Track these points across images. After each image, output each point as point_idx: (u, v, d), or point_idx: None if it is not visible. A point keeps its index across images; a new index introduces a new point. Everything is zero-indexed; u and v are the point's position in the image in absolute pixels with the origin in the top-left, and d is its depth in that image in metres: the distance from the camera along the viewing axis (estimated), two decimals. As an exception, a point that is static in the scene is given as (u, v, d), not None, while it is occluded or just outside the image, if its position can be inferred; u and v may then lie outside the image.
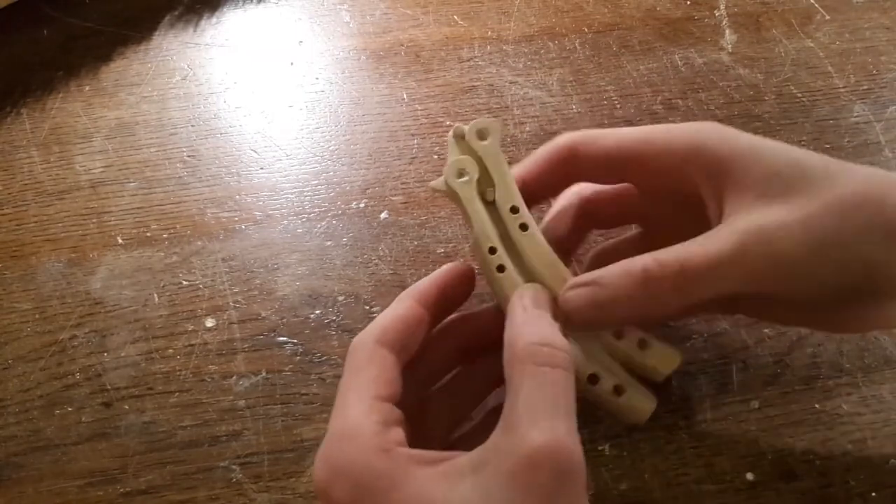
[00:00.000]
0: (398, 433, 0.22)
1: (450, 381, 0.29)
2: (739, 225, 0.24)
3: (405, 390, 0.25)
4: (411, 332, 0.26)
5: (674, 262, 0.24)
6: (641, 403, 0.27)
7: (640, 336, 0.27)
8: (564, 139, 0.29)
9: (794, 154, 0.25)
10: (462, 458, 0.21)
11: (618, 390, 0.26)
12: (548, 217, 0.32)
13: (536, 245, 0.27)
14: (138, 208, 0.41)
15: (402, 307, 0.26)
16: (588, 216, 0.32)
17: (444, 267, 0.29)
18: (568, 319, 0.25)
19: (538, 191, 0.30)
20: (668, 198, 0.29)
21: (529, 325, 0.24)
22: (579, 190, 0.32)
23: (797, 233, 0.23)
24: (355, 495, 0.20)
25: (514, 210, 0.28)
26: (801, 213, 0.23)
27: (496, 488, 0.19)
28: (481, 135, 0.29)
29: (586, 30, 0.49)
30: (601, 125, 0.44)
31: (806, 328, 0.34)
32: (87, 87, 0.46)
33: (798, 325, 0.33)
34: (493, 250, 0.27)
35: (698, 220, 0.26)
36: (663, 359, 0.27)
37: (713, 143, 0.25)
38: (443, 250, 0.38)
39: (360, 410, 0.22)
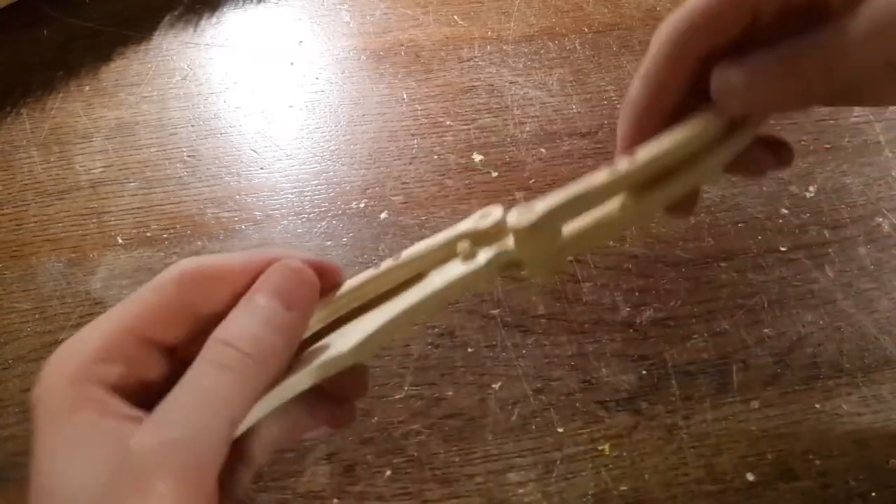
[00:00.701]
0: (116, 372, 0.20)
1: None
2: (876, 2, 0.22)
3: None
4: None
5: (820, 45, 0.22)
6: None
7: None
8: (673, 20, 0.24)
9: None
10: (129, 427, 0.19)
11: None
12: (647, 70, 0.25)
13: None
14: (138, 208, 0.41)
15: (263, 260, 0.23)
16: (690, 51, 0.25)
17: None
18: (727, 101, 0.23)
19: (671, 96, 0.25)
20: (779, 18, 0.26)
21: (232, 319, 0.22)
22: (674, 20, 0.25)
23: None
24: (35, 405, 0.19)
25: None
26: None
27: (108, 477, 0.18)
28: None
29: (586, 30, 0.49)
30: (601, 125, 0.44)
31: None
32: (87, 87, 0.46)
33: None
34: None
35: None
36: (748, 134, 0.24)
37: None
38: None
39: (102, 331, 0.21)
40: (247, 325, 0.21)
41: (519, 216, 0.21)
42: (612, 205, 0.22)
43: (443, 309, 0.36)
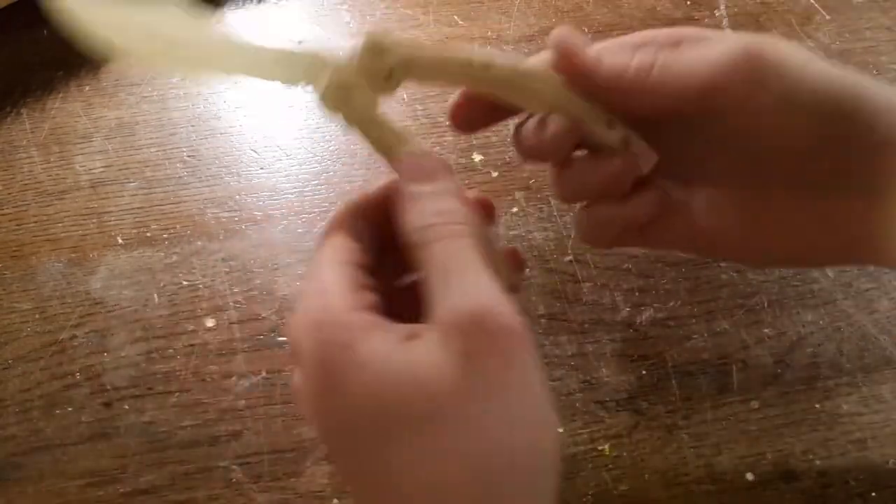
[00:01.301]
0: (368, 297, 0.22)
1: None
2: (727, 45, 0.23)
3: (382, 273, 0.24)
4: (389, 205, 0.25)
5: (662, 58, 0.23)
6: (648, 151, 0.26)
7: (626, 133, 0.26)
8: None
9: None
10: (419, 328, 0.21)
11: (625, 141, 0.26)
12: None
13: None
14: (138, 208, 0.41)
15: (386, 182, 0.26)
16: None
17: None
18: (567, 62, 0.24)
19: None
20: None
21: (413, 207, 0.23)
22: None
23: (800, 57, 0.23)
24: (319, 349, 0.21)
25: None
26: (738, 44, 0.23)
27: (439, 358, 0.19)
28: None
29: (586, 30, 0.49)
30: (601, 125, 0.44)
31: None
32: (87, 87, 0.46)
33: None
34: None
35: None
36: (644, 156, 0.26)
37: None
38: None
39: (333, 272, 0.22)
40: (424, 206, 0.23)
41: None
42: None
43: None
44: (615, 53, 0.24)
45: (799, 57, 0.23)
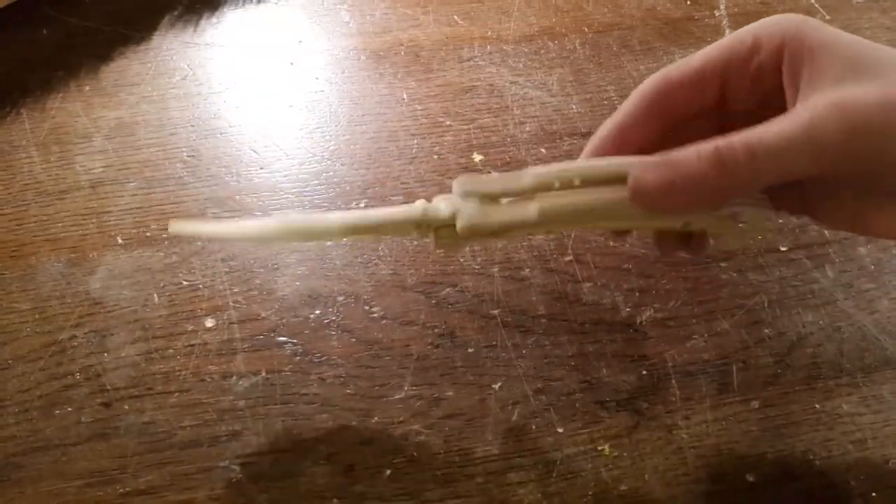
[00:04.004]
0: None
1: None
2: (813, 102, 0.24)
3: None
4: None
5: (746, 141, 0.23)
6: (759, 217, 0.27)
7: (705, 223, 0.27)
8: (652, 77, 0.28)
9: (873, 45, 0.25)
10: None
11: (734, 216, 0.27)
12: (617, 113, 0.29)
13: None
14: (138, 208, 0.41)
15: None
16: (663, 107, 0.28)
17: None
18: (642, 202, 0.25)
19: (637, 139, 0.28)
20: (751, 98, 0.28)
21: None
22: (652, 77, 0.29)
23: (873, 104, 0.23)
24: None
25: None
26: (879, 90, 0.23)
27: None
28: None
29: (586, 30, 0.49)
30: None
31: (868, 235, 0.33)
32: (87, 87, 0.46)
33: (861, 227, 0.29)
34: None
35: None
36: (757, 220, 0.28)
37: (806, 31, 0.25)
38: (442, 250, 0.38)
39: None
40: None
41: (459, 221, 0.26)
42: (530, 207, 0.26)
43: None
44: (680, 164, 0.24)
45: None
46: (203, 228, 0.30)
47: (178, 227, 0.30)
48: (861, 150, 0.23)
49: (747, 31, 0.27)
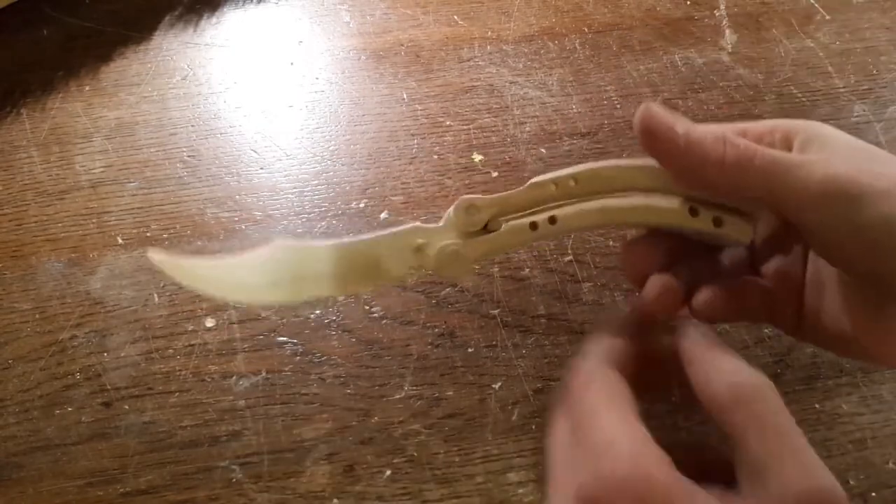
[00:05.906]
0: (663, 452, 0.21)
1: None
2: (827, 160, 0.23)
3: None
4: (629, 356, 0.26)
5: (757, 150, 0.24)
6: (741, 228, 0.27)
7: (714, 214, 0.27)
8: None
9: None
10: (735, 499, 0.21)
11: (716, 222, 0.27)
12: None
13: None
14: (138, 208, 0.41)
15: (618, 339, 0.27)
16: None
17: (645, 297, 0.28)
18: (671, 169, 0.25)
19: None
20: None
21: (716, 366, 0.24)
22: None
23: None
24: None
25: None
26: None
27: None
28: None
29: (586, 30, 0.49)
30: (601, 125, 0.44)
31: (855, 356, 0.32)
32: (87, 87, 0.46)
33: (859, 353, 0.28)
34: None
35: None
36: (738, 231, 0.27)
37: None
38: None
39: (623, 427, 0.22)
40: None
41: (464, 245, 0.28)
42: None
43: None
44: (708, 137, 0.25)
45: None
46: (181, 266, 0.29)
47: (156, 257, 0.29)
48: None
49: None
